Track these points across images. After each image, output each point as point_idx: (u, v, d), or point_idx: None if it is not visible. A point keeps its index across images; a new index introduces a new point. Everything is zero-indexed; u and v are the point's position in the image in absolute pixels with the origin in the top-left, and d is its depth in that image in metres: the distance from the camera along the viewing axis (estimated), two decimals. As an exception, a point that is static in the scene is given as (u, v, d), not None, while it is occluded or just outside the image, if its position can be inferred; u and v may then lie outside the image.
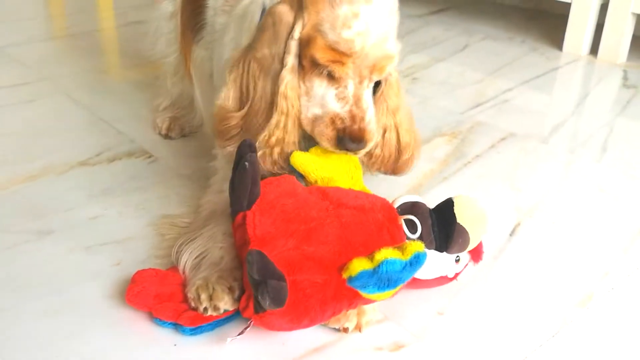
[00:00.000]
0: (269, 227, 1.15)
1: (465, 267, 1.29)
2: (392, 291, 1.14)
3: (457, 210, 1.23)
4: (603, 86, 2.54)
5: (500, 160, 1.88)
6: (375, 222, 1.20)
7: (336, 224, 1.18)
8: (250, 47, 1.32)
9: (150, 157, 1.82)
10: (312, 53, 1.25)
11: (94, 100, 2.19)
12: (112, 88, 2.35)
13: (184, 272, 1.26)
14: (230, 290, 1.17)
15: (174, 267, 1.28)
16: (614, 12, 2.71)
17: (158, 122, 1.96)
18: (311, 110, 1.30)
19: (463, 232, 1.22)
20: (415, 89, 2.41)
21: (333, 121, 1.27)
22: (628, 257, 1.45)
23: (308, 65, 1.28)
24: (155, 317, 1.18)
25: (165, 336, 1.17)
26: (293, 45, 1.28)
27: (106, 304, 1.24)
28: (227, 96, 1.33)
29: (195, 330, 1.16)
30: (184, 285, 1.23)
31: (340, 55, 1.24)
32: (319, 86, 1.29)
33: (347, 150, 1.28)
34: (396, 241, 1.19)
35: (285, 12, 1.28)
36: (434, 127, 2.08)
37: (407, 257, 1.10)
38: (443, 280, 1.27)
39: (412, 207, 1.26)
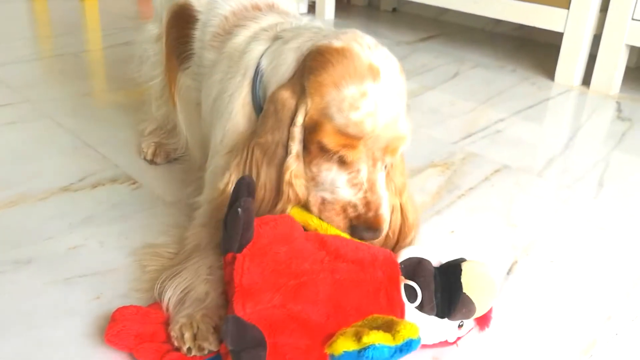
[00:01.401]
0: (257, 277, 1.09)
1: (468, 332, 1.22)
2: None
3: (465, 278, 1.15)
4: (596, 118, 2.51)
5: (494, 194, 1.83)
6: (373, 282, 1.14)
7: (329, 280, 1.11)
8: (254, 134, 1.28)
9: (134, 183, 1.76)
10: (319, 139, 1.21)
11: (78, 124, 2.13)
12: (97, 112, 2.29)
13: (167, 309, 1.19)
14: (216, 329, 1.11)
15: (156, 304, 1.22)
16: (607, 43, 2.68)
17: (143, 147, 1.91)
18: (319, 194, 1.25)
19: (468, 303, 1.14)
20: (406, 118, 2.35)
21: (345, 209, 1.23)
22: (631, 300, 1.39)
23: (315, 150, 1.23)
24: (137, 358, 1.12)
25: (147, 379, 1.10)
26: (297, 132, 1.23)
27: (84, 343, 1.17)
28: (229, 181, 1.28)
29: (178, 374, 1.10)
30: (166, 323, 1.17)
31: (351, 139, 1.19)
32: (328, 171, 1.24)
33: (361, 239, 1.22)
34: (393, 307, 1.12)
35: (287, 98, 1.24)
36: (425, 157, 2.03)
37: (398, 342, 1.02)
38: (444, 344, 1.19)
39: (416, 266, 1.19)
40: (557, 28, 2.80)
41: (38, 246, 1.46)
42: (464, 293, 1.14)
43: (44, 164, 1.85)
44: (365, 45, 1.24)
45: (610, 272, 1.49)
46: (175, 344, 1.11)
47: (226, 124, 1.39)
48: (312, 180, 1.25)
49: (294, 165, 1.24)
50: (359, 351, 1.01)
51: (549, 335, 1.28)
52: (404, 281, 1.16)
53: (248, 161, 1.27)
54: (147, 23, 1.91)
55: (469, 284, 1.14)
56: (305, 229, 1.23)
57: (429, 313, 1.15)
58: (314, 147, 1.23)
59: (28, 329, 1.20)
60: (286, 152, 1.25)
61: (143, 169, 1.85)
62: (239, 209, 1.10)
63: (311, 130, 1.22)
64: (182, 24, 1.67)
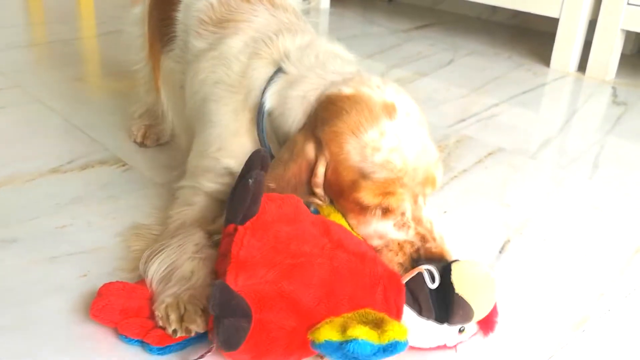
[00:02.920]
0: (255, 252, 1.06)
1: (471, 337, 1.17)
2: None
3: (455, 278, 1.09)
4: (592, 103, 2.49)
5: (488, 176, 1.81)
6: (371, 276, 1.10)
7: (327, 266, 1.08)
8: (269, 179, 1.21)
9: (124, 165, 1.74)
10: (356, 197, 1.16)
11: (69, 108, 2.11)
12: (89, 96, 2.27)
13: (151, 285, 1.17)
14: (203, 311, 1.08)
15: (142, 280, 1.21)
16: (603, 28, 2.67)
17: (134, 129, 1.89)
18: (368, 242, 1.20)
19: (463, 304, 1.09)
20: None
21: (402, 247, 1.18)
22: (625, 278, 1.38)
23: (352, 207, 1.19)
24: (121, 333, 1.10)
25: (131, 354, 1.08)
26: (318, 184, 1.21)
27: (69, 319, 1.16)
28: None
29: (163, 350, 1.08)
30: (152, 299, 1.15)
31: (388, 185, 1.15)
32: (370, 225, 1.19)
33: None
34: (389, 305, 1.08)
35: (306, 149, 1.20)
36: (419, 140, 2.01)
37: (383, 341, 0.99)
38: (441, 347, 1.14)
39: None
40: (553, 14, 2.79)
41: (25, 226, 1.44)
42: (457, 294, 1.09)
43: (33, 146, 1.83)
44: (374, 86, 1.21)
45: (604, 250, 1.48)
46: (160, 323, 1.09)
47: (227, 138, 1.37)
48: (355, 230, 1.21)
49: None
50: (341, 343, 0.99)
51: (542, 311, 1.26)
52: (423, 267, 1.12)
53: None
54: (134, 6, 1.89)
55: (461, 284, 1.09)
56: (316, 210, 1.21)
57: (427, 317, 1.10)
58: (350, 205, 1.19)
59: (12, 305, 1.18)
60: (308, 194, 1.22)
61: (133, 151, 1.83)
62: (250, 180, 1.07)
63: (341, 188, 1.19)
64: (164, 5, 1.64)
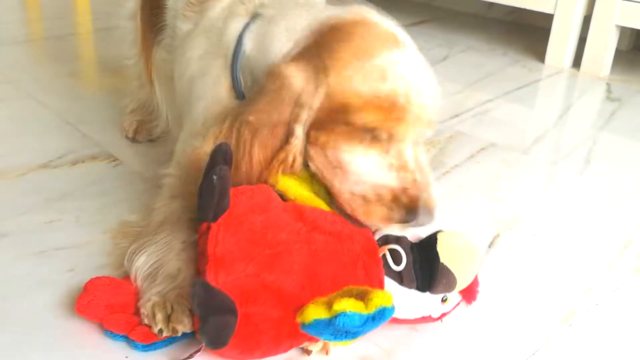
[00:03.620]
0: (232, 247, 1.05)
1: (454, 307, 1.18)
2: (353, 340, 1.06)
3: (441, 248, 1.09)
4: (586, 99, 2.49)
5: (479, 171, 1.81)
6: (350, 254, 1.09)
7: (305, 250, 1.07)
8: (242, 108, 1.16)
9: (114, 160, 1.74)
10: (350, 118, 1.08)
11: (61, 104, 2.10)
12: (81, 92, 2.26)
13: (135, 281, 1.16)
14: (191, 311, 1.07)
15: (129, 276, 1.20)
16: (597, 24, 2.66)
17: (125, 125, 1.88)
18: (354, 188, 1.11)
19: (447, 273, 1.08)
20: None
21: (396, 198, 1.09)
22: (613, 273, 1.37)
23: (341, 133, 1.10)
24: (106, 329, 1.09)
25: (116, 349, 1.08)
26: (304, 115, 1.11)
27: (54, 314, 1.15)
28: (206, 151, 1.13)
29: (148, 347, 1.07)
30: (138, 296, 1.15)
31: (393, 110, 1.07)
32: (361, 157, 1.11)
33: (417, 225, 1.10)
34: (371, 280, 1.08)
35: (294, 77, 1.11)
36: (411, 136, 2.00)
37: (371, 310, 0.98)
38: (427, 319, 1.15)
39: (395, 240, 1.13)
40: (547, 9, 2.78)
41: (12, 220, 1.43)
42: (442, 263, 1.09)
43: (23, 141, 1.83)
44: (377, 15, 1.17)
45: (593, 245, 1.48)
46: (145, 321, 1.08)
47: (210, 107, 1.31)
48: (336, 170, 1.13)
49: (299, 147, 1.14)
50: (330, 319, 0.98)
51: (529, 306, 1.26)
52: (387, 247, 1.12)
53: (234, 139, 1.14)
54: (127, 0, 1.88)
55: (447, 254, 1.09)
56: (283, 198, 1.17)
57: (409, 286, 1.11)
58: (339, 130, 1.10)
59: (-1, 300, 1.19)
60: (286, 135, 1.13)
61: (124, 146, 1.83)
62: (214, 177, 1.05)
63: (334, 112, 1.10)
64: None
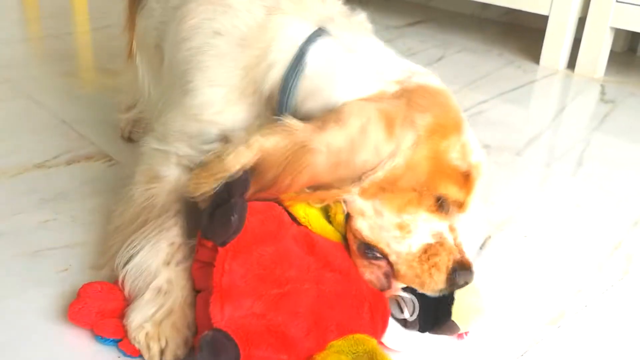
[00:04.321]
0: (239, 280, 1.00)
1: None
2: None
3: (456, 308, 1.11)
4: (580, 100, 2.50)
5: (472, 172, 1.81)
6: (358, 296, 1.08)
7: (313, 292, 1.04)
8: (310, 134, 1.05)
9: (110, 160, 1.74)
10: (440, 190, 1.09)
11: (57, 103, 2.11)
12: (77, 91, 2.26)
13: (122, 284, 1.15)
14: (186, 344, 1.07)
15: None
16: (592, 26, 2.67)
17: (122, 125, 1.88)
18: (406, 249, 1.10)
19: (454, 327, 1.12)
20: (388, 99, 2.33)
21: (451, 252, 1.10)
22: (603, 274, 1.39)
23: (407, 196, 1.08)
24: (97, 334, 1.10)
25: (108, 350, 1.09)
26: (379, 169, 1.07)
27: (47, 316, 1.16)
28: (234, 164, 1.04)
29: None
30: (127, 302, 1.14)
31: (467, 182, 1.10)
32: (428, 221, 1.10)
33: (459, 286, 1.11)
34: (375, 323, 1.09)
35: (384, 128, 1.06)
36: (406, 137, 2.01)
37: None
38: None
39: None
40: (542, 11, 2.79)
41: (7, 220, 1.44)
42: (452, 320, 1.11)
43: (19, 141, 1.83)
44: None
45: (584, 247, 1.49)
46: (137, 346, 1.06)
47: (231, 97, 1.22)
48: (398, 229, 1.10)
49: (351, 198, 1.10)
50: None
51: (518, 307, 1.27)
52: (398, 293, 1.12)
53: (284, 159, 1.04)
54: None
55: (459, 314, 1.12)
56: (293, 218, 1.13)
57: (411, 329, 1.13)
58: (407, 194, 1.08)
59: (-10, 300, 1.19)
60: (349, 180, 1.08)
61: (119, 146, 1.83)
62: (232, 217, 1.00)
63: (408, 178, 1.08)
64: None
